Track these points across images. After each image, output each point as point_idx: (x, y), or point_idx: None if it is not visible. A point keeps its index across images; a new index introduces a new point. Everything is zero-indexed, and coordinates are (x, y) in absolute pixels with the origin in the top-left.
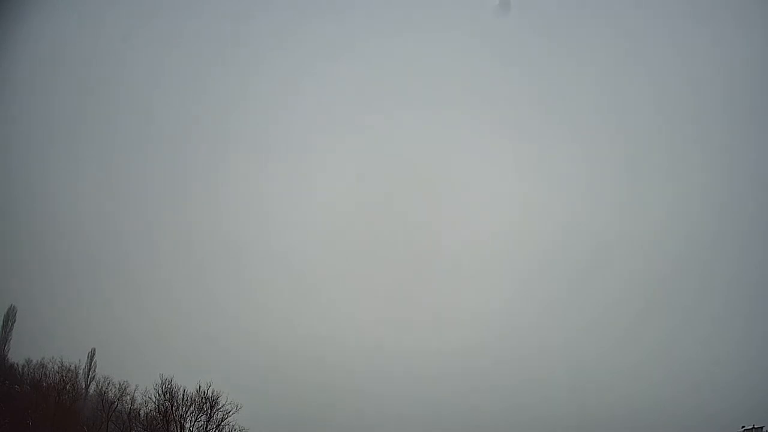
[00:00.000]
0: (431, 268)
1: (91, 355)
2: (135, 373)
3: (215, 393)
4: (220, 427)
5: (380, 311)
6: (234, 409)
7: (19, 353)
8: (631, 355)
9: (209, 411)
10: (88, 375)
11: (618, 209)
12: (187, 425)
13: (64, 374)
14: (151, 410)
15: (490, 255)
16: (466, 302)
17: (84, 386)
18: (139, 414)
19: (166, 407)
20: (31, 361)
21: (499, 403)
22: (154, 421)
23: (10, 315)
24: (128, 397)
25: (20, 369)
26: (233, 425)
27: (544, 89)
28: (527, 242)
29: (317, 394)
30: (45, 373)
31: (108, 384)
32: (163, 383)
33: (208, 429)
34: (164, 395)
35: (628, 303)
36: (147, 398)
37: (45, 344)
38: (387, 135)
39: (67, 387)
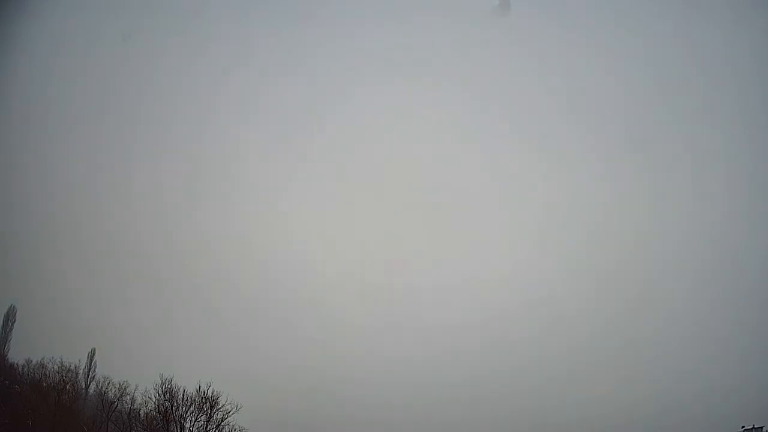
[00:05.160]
0: (433, 269)
1: (91, 355)
2: (135, 373)
3: (215, 393)
4: (220, 427)
5: (380, 312)
6: (234, 409)
7: (19, 353)
8: (631, 356)
9: (209, 411)
10: (88, 375)
11: (625, 210)
12: (187, 425)
13: (64, 374)
14: (151, 410)
15: (490, 256)
16: (467, 303)
17: (84, 386)
18: (139, 414)
19: (166, 407)
20: (31, 361)
21: (497, 408)
22: (154, 421)
23: (10, 315)
24: (128, 397)
25: (20, 369)
26: (233, 425)
27: (544, 88)
28: (528, 244)
29: (317, 394)
30: (45, 373)
31: (108, 384)
32: (163, 383)
33: (208, 429)
34: (164, 395)
35: (628, 304)
36: (147, 398)
37: (45, 344)
38: (388, 134)
39: (67, 387)
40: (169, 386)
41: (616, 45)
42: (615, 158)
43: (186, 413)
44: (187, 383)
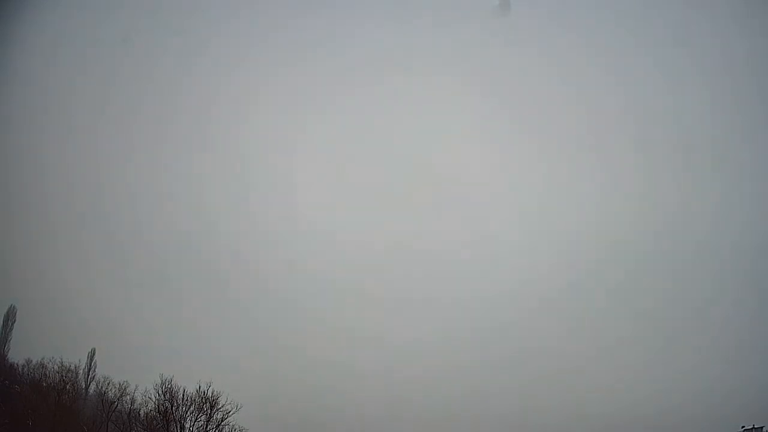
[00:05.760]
0: (433, 266)
1: (91, 355)
2: (135, 373)
3: (215, 393)
4: (220, 427)
5: (382, 311)
6: (234, 409)
7: (19, 353)
8: (631, 356)
9: (209, 411)
10: (88, 375)
11: (623, 207)
12: (187, 425)
13: (64, 374)
14: (151, 410)
15: (491, 254)
16: (467, 303)
17: (84, 386)
18: (139, 414)
19: (166, 407)
20: (31, 361)
21: (497, 405)
22: (154, 421)
23: (10, 315)
24: (128, 397)
25: (20, 369)
26: (233, 425)
27: (544, 87)
28: (528, 244)
29: (318, 394)
30: (45, 373)
31: (108, 384)
32: (163, 383)
33: (208, 429)
34: (164, 395)
35: (629, 304)
36: (147, 398)
37: (45, 344)
38: (388, 134)
39: (67, 387)
40: (169, 386)
41: (616, 45)
42: (615, 157)
43: (186, 413)
44: (187, 383)
